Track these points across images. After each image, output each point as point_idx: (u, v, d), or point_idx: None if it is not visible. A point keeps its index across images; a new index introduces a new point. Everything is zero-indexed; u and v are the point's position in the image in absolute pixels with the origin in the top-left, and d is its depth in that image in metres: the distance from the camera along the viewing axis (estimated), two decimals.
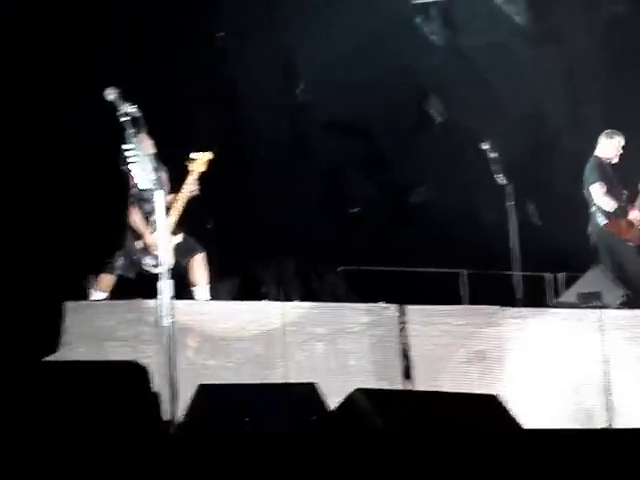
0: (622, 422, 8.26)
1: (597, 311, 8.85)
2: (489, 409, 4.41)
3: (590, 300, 9.25)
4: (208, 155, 8.28)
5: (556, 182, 10.79)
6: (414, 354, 8.35)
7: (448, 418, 4.14)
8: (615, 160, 9.91)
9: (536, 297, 9.44)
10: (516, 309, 8.81)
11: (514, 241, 9.28)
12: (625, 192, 9.84)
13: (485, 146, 9.52)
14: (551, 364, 8.49)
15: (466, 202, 10.53)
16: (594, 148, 9.94)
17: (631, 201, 9.80)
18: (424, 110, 11.60)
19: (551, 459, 4.15)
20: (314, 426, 4.03)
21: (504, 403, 4.60)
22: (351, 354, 8.30)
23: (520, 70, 11.37)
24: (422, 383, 8.05)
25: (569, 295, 9.60)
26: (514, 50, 11.50)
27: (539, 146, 11.01)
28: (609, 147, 9.88)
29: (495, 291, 9.61)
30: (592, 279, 9.63)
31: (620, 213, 9.76)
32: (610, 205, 9.70)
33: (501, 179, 9.42)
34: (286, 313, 8.30)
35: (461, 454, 3.99)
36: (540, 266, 10.15)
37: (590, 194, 9.71)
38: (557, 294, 9.92)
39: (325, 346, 8.28)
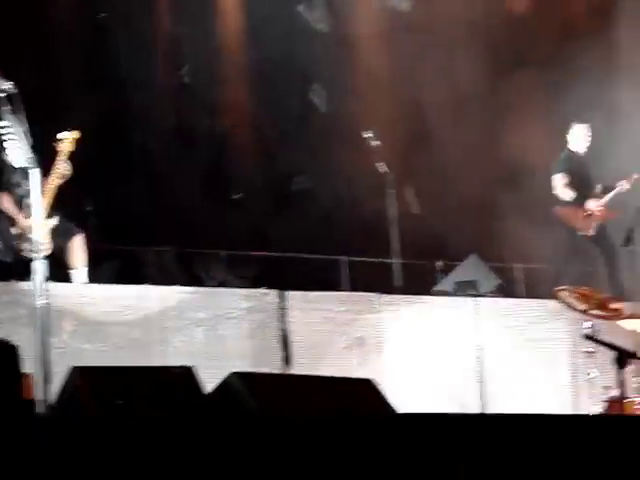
0: (494, 410, 8.44)
1: (473, 299, 9.03)
2: (363, 393, 4.45)
3: (466, 289, 9.43)
4: (75, 134, 8.16)
5: (436, 171, 10.93)
6: (294, 340, 8.39)
7: (322, 401, 4.17)
8: (583, 150, 10.09)
9: (414, 285, 9.55)
10: (395, 296, 8.93)
11: (394, 229, 9.38)
12: (599, 186, 10.03)
13: (367, 134, 9.61)
14: (428, 351, 8.62)
15: (348, 190, 10.60)
16: (475, 137, 10.18)
17: (599, 193, 10.02)
18: (308, 98, 11.62)
19: (424, 443, 4.20)
20: (189, 409, 4.00)
21: (378, 387, 4.63)
22: (231, 339, 8.30)
23: (403, 58, 11.46)
24: (302, 369, 8.08)
25: (446, 283, 9.76)
26: (395, 39, 11.59)
27: (420, 135, 11.13)
28: (575, 138, 10.11)
29: (375, 278, 9.70)
30: (469, 268, 9.82)
31: (578, 202, 9.95)
32: (567, 195, 9.92)
33: (382, 167, 9.52)
34: (165, 297, 8.25)
35: (334, 437, 4.02)
36: (419, 254, 10.28)
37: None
38: (435, 282, 10.06)
39: (204, 331, 8.26)
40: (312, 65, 11.11)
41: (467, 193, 10.82)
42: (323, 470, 3.87)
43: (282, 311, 8.48)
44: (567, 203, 9.94)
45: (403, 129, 10.78)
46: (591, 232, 9.89)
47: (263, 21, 10.89)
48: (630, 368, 5.99)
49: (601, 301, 7.55)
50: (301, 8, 11.43)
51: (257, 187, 10.81)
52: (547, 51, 11.48)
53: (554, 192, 9.97)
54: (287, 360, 8.39)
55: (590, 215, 9.91)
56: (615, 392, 7.35)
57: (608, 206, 9.96)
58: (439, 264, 10.52)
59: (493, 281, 9.73)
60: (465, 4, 11.49)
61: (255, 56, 11.08)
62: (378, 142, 9.61)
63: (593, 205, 9.92)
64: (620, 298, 8.34)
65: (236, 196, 11.01)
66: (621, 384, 5.03)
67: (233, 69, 11.36)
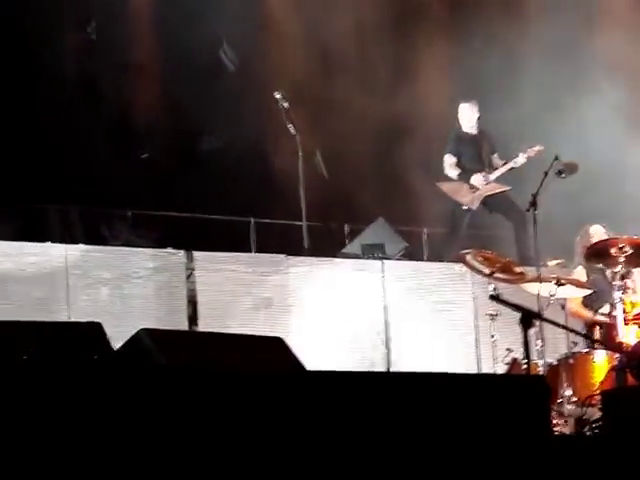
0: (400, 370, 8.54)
1: (379, 262, 9.10)
2: (275, 351, 4.45)
3: (373, 251, 9.49)
4: None
5: (345, 136, 10.94)
6: (201, 300, 8.36)
7: (234, 357, 4.16)
8: (473, 130, 10.26)
9: (322, 247, 9.58)
10: (302, 258, 8.95)
11: (302, 191, 9.38)
12: (494, 161, 10.21)
13: (277, 95, 9.56)
14: (335, 313, 8.67)
15: (257, 151, 10.53)
16: (380, 104, 10.24)
17: (490, 169, 10.17)
18: (218, 57, 11.50)
19: (335, 400, 4.24)
20: (98, 364, 3.96)
21: (289, 346, 4.64)
22: (136, 299, 8.23)
23: (311, 21, 11.42)
24: (208, 329, 8.06)
25: (353, 246, 9.81)
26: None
27: (329, 99, 11.11)
28: (461, 118, 10.27)
29: (283, 240, 9.69)
30: (375, 231, 9.89)
31: (464, 178, 10.13)
32: (453, 173, 10.16)
33: (291, 129, 9.49)
34: (70, 256, 8.13)
35: (246, 392, 4.02)
36: (327, 217, 10.31)
37: None
38: (342, 245, 10.10)
39: (110, 290, 8.18)
40: (222, 23, 10.98)
41: (372, 155, 10.90)
42: (234, 424, 3.87)
43: (188, 271, 8.44)
44: (451, 179, 10.15)
45: (311, 90, 10.73)
46: (475, 206, 10.06)
47: None
48: (533, 330, 6.08)
49: (505, 264, 7.68)
50: None
51: (164, 146, 10.67)
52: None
53: (444, 172, 10.14)
54: (193, 320, 8.36)
55: (475, 190, 10.09)
56: (518, 354, 7.55)
57: (499, 179, 10.13)
58: (346, 227, 10.57)
59: (400, 244, 9.81)
60: None
61: (164, 13, 10.90)
62: (287, 103, 9.56)
63: (477, 180, 10.09)
64: (524, 262, 8.48)
65: (143, 156, 10.85)
66: (525, 345, 5.10)
67: (141, 26, 11.16)
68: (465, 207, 10.08)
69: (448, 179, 10.19)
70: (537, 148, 9.94)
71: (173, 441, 3.74)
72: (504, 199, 10.08)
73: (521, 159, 10.02)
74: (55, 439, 3.42)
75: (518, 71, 10.99)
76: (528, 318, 4.97)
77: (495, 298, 5.50)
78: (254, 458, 3.92)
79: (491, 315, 7.61)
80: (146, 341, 4.17)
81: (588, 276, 8.33)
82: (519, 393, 4.69)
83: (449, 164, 10.20)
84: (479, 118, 10.24)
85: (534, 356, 7.24)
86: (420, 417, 4.36)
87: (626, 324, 7.62)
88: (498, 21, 10.84)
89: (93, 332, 4.17)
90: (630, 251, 7.60)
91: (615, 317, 7.63)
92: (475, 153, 10.21)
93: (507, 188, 10.04)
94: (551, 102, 10.72)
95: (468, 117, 10.24)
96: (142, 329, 4.31)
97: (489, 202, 10.15)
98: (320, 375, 4.60)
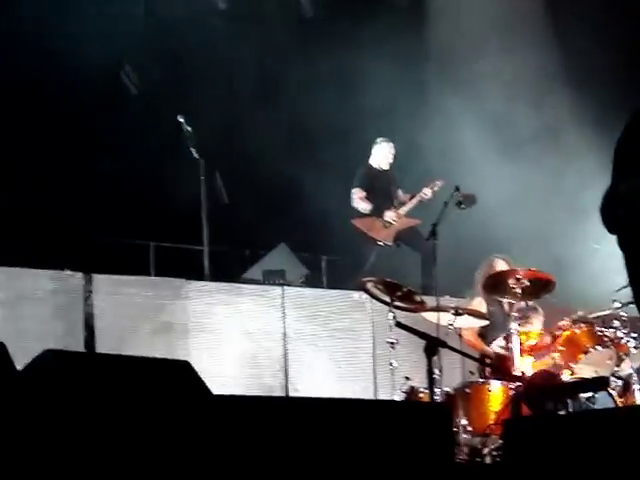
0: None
1: (280, 288, 9.10)
2: (181, 375, 4.40)
3: (274, 277, 9.50)
4: None
5: (247, 159, 10.96)
6: (99, 324, 8.24)
7: (140, 381, 4.11)
8: (385, 167, 10.41)
9: (223, 272, 9.55)
10: (202, 282, 8.91)
11: (204, 215, 9.34)
12: (400, 196, 10.35)
13: (181, 119, 9.53)
14: (236, 339, 8.64)
15: (159, 174, 10.46)
16: (285, 124, 10.31)
17: (398, 204, 10.27)
18: (119, 79, 11.41)
19: (240, 424, 4.22)
20: (2, 384, 3.86)
21: (195, 370, 4.60)
22: (31, 321, 8.07)
23: (217, 47, 11.44)
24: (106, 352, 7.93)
25: (254, 271, 9.81)
26: (211, 25, 11.55)
27: (232, 123, 11.12)
28: (377, 155, 10.45)
29: (183, 265, 9.62)
30: (277, 257, 9.91)
31: (375, 213, 10.21)
32: (363, 207, 10.24)
33: (194, 153, 9.46)
34: None
35: (153, 417, 3.97)
36: (228, 242, 10.28)
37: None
38: (243, 270, 10.08)
39: (4, 311, 8.01)
40: (124, 46, 10.90)
41: (276, 180, 10.94)
42: (141, 451, 3.83)
43: (87, 294, 8.32)
44: (364, 215, 10.19)
45: (215, 114, 10.73)
46: (390, 241, 10.18)
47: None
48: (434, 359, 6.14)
49: (406, 293, 7.75)
50: None
51: (64, 166, 10.50)
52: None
53: (352, 204, 10.23)
54: (90, 344, 8.23)
55: (388, 225, 10.20)
56: (415, 382, 7.62)
57: (409, 214, 10.27)
58: (247, 252, 10.56)
59: (301, 270, 9.85)
60: None
61: (63, 31, 10.76)
62: (190, 127, 9.54)
63: (389, 215, 10.22)
64: (426, 291, 8.58)
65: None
66: (429, 373, 5.16)
67: (41, 45, 10.99)
68: (380, 243, 10.17)
69: (358, 213, 10.24)
70: (439, 182, 10.10)
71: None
72: (411, 231, 10.20)
73: (429, 193, 10.18)
74: None
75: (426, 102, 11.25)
76: (433, 346, 5.04)
77: (401, 325, 5.54)
78: None
79: (391, 343, 7.67)
80: (51, 362, 4.08)
81: (487, 306, 8.47)
82: (422, 420, 4.73)
83: (358, 197, 10.27)
84: (394, 157, 10.42)
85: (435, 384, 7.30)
86: (323, 443, 4.36)
87: (521, 355, 7.76)
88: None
89: None
90: (527, 283, 7.75)
91: (511, 348, 7.76)
92: (384, 188, 10.33)
93: (418, 222, 10.16)
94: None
95: (386, 155, 10.40)
96: (47, 350, 4.22)
97: (398, 235, 10.26)
98: (226, 400, 4.57)
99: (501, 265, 8.52)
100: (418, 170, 10.75)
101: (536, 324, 8.27)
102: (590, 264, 9.88)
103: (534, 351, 7.98)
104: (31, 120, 10.38)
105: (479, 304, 8.48)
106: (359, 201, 10.25)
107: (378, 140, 10.45)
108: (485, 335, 8.39)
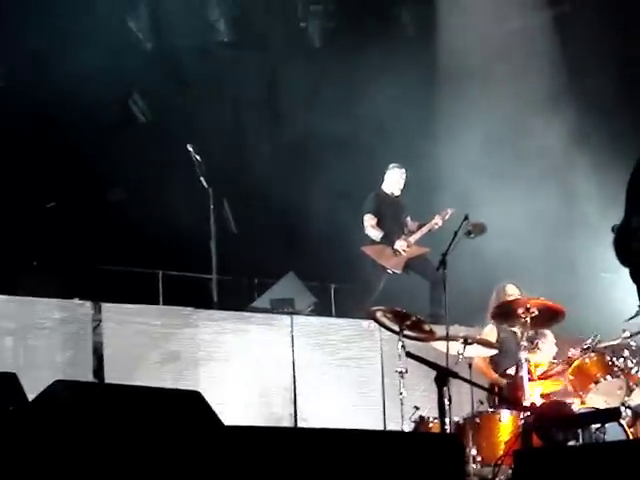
0: (308, 425, 8.51)
1: (288, 317, 9.09)
2: (192, 405, 4.40)
3: (282, 306, 9.49)
4: None
5: (255, 189, 10.98)
6: (107, 353, 8.23)
7: (152, 411, 4.10)
8: (397, 192, 10.40)
9: (231, 301, 9.54)
10: (211, 311, 8.90)
11: (212, 245, 9.35)
12: (409, 224, 10.36)
13: (190, 148, 9.56)
14: (244, 368, 8.62)
15: (167, 203, 10.47)
16: (293, 156, 10.33)
17: (409, 232, 10.29)
18: (127, 107, 11.46)
19: (251, 455, 4.21)
20: (13, 416, 3.87)
21: (206, 400, 4.60)
22: (41, 350, 8.06)
23: (222, 75, 11.49)
24: (114, 382, 7.91)
25: (263, 300, 9.80)
26: (217, 55, 11.61)
27: (240, 152, 11.16)
28: (389, 180, 10.43)
29: (192, 293, 9.62)
30: (285, 286, 9.90)
31: (385, 241, 10.19)
32: (374, 234, 10.23)
33: (203, 182, 9.48)
34: None
35: (164, 448, 3.97)
36: (236, 270, 10.28)
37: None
38: (252, 299, 10.08)
39: (14, 341, 8.00)
40: (133, 74, 10.96)
41: (283, 209, 10.95)
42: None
43: (96, 323, 8.32)
44: (374, 242, 10.20)
45: (222, 143, 10.76)
46: (399, 269, 10.17)
47: (88, 27, 10.64)
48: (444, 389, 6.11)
49: (415, 322, 7.74)
50: (129, 21, 11.29)
51: (72, 196, 10.53)
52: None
53: (365, 231, 10.23)
54: (99, 373, 8.22)
55: (398, 253, 10.20)
56: (424, 412, 7.59)
57: (419, 242, 10.27)
58: (256, 281, 10.57)
59: (309, 299, 9.84)
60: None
61: (75, 59, 10.81)
62: (199, 156, 9.57)
63: (400, 244, 10.21)
64: (435, 320, 8.56)
65: (49, 205, 10.71)
66: (440, 403, 5.14)
67: (51, 73, 11.05)
68: (390, 271, 10.16)
69: (368, 240, 10.24)
70: (450, 211, 10.08)
71: None
72: (421, 260, 10.19)
73: (440, 222, 10.18)
74: None
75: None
76: (444, 376, 5.02)
77: (411, 355, 5.52)
78: None
79: (400, 372, 7.64)
80: (62, 393, 4.08)
81: (498, 334, 8.46)
82: (434, 451, 4.71)
83: (370, 225, 10.26)
84: (405, 184, 10.43)
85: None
86: (333, 475, 4.34)
87: (531, 384, 7.73)
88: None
89: (9, 382, 4.07)
90: (536, 312, 7.73)
91: (521, 377, 7.74)
92: (395, 215, 10.33)
93: (427, 250, 10.15)
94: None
95: (397, 181, 10.40)
96: (57, 380, 4.22)
97: (408, 263, 10.26)
98: (237, 430, 4.57)
99: (511, 290, 8.51)
100: (427, 197, 10.73)
101: (545, 350, 8.26)
102: (599, 294, 9.87)
103: (545, 379, 7.97)
104: (39, 149, 10.42)
105: (491, 331, 8.47)
106: (370, 229, 10.25)
107: (390, 166, 10.45)
108: (497, 362, 8.38)
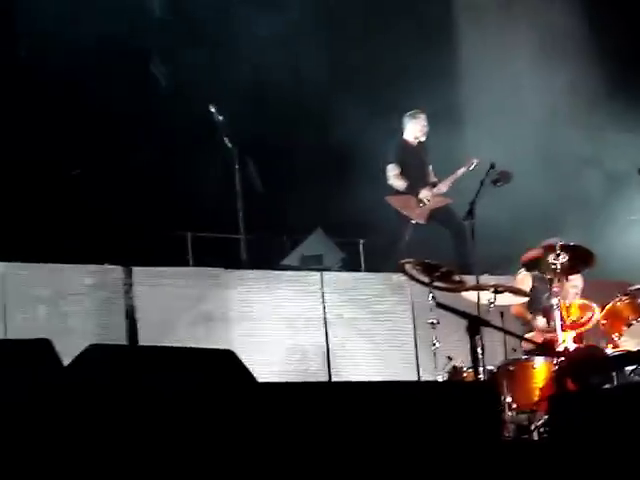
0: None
1: (318, 274, 9.11)
2: (226, 364, 4.43)
3: (311, 263, 9.51)
4: None
5: (279, 146, 10.95)
6: (140, 316, 8.29)
7: (186, 371, 4.14)
8: (422, 138, 10.27)
9: (261, 260, 9.56)
10: (240, 271, 8.93)
11: (239, 204, 9.36)
12: (432, 174, 10.27)
13: (212, 108, 9.55)
14: (276, 325, 8.66)
15: (193, 164, 10.48)
16: (317, 114, 10.26)
17: (431, 182, 10.21)
18: (149, 71, 11.42)
19: (286, 411, 4.24)
20: (49, 383, 3.90)
21: (239, 358, 4.63)
22: (74, 316, 8.13)
23: (243, 35, 11.42)
24: (148, 344, 7.97)
25: (292, 258, 9.81)
26: (238, 15, 11.53)
27: (264, 110, 11.10)
28: (412, 128, 10.27)
29: (221, 254, 9.64)
30: (313, 243, 9.90)
31: (410, 191, 10.11)
32: (399, 185, 10.14)
33: (227, 142, 9.47)
34: (6, 274, 8.02)
35: (200, 407, 4.00)
36: (264, 229, 10.29)
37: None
38: (281, 257, 10.08)
39: (47, 308, 8.07)
40: (153, 37, 10.92)
41: (308, 166, 10.93)
42: (189, 439, 3.86)
43: (127, 287, 8.37)
44: (399, 192, 10.15)
45: (247, 104, 10.71)
46: (423, 220, 10.13)
47: None
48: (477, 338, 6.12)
49: (444, 273, 7.74)
50: None
51: (99, 161, 10.54)
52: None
53: (388, 182, 10.16)
54: (132, 336, 8.28)
55: (423, 204, 10.15)
56: (457, 362, 7.60)
57: (444, 193, 10.21)
58: (284, 238, 10.57)
59: (338, 255, 9.84)
60: None
61: (91, 27, 10.77)
62: (222, 117, 9.55)
63: (424, 194, 10.16)
64: (464, 271, 8.55)
65: (75, 172, 10.72)
66: (473, 352, 5.15)
67: (69, 40, 11.02)
68: (414, 221, 10.13)
69: (393, 190, 10.19)
70: (476, 160, 9.99)
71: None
72: (445, 210, 10.16)
73: (463, 169, 10.11)
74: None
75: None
76: (475, 325, 5.03)
77: (442, 305, 5.53)
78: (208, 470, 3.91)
79: (432, 324, 7.65)
80: (97, 356, 4.11)
81: (533, 281, 8.45)
82: (469, 399, 4.73)
83: (394, 174, 10.18)
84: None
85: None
86: (368, 427, 4.37)
87: (563, 330, 7.73)
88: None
89: (43, 348, 4.11)
90: (566, 258, 7.71)
91: (553, 323, 7.74)
92: (418, 163, 10.27)
93: (450, 201, 10.11)
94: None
95: (421, 127, 10.28)
96: (92, 344, 4.26)
97: (432, 214, 10.22)
98: (271, 387, 4.60)
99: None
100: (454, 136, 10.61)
101: (572, 291, 8.25)
102: (629, 236, 9.82)
103: (576, 326, 7.97)
104: (65, 115, 10.42)
105: (524, 279, 8.46)
106: (394, 179, 10.18)
107: (410, 113, 10.29)
108: (531, 308, 8.40)
